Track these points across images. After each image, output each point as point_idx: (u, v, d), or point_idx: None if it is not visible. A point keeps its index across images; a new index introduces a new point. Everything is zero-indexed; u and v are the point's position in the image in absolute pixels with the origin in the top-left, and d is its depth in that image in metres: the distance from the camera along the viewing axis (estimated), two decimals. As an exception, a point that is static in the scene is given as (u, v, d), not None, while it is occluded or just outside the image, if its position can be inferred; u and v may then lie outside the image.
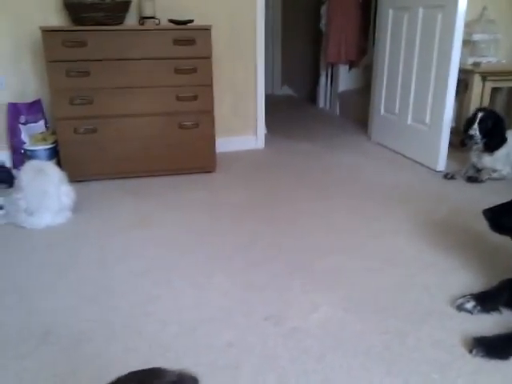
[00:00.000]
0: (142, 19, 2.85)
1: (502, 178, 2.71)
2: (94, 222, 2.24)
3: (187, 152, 2.86)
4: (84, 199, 2.44)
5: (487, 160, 2.71)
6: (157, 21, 2.85)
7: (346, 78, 4.78)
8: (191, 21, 2.79)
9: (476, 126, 2.59)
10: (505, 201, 1.50)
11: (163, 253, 1.93)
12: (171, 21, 2.79)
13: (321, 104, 5.16)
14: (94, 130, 2.71)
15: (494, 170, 2.71)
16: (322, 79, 5.05)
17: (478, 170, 2.76)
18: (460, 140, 2.79)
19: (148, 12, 2.83)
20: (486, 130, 2.59)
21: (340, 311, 1.52)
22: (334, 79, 4.89)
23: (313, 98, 5.34)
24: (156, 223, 2.23)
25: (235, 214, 2.32)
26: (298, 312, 1.51)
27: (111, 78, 2.67)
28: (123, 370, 1.25)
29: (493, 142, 2.63)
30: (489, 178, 2.70)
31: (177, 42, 2.68)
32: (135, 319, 1.49)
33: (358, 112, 4.32)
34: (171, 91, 2.75)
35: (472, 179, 2.70)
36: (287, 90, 6.17)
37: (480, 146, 2.65)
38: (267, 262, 1.85)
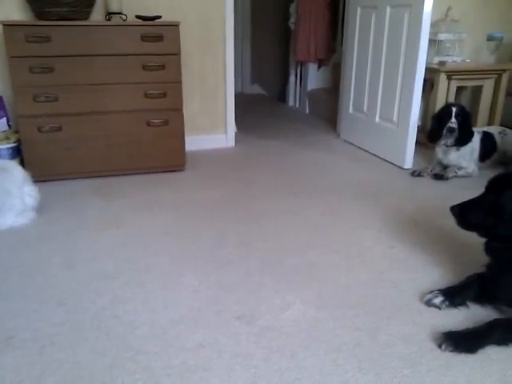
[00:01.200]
0: (109, 15, 2.79)
1: (467, 176, 2.78)
2: (59, 223, 2.18)
3: (156, 150, 2.81)
4: (49, 199, 2.37)
5: (453, 156, 2.77)
6: (124, 16, 2.79)
7: (315, 77, 4.82)
8: (159, 17, 2.75)
9: (454, 119, 2.65)
10: (471, 197, 1.52)
11: (132, 254, 1.89)
12: (138, 17, 2.74)
13: (290, 102, 5.18)
14: (59, 129, 2.64)
15: (460, 168, 2.77)
16: (292, 78, 5.07)
17: (445, 168, 2.82)
18: (427, 135, 2.84)
19: (114, 7, 2.77)
20: (460, 123, 2.65)
21: (312, 309, 1.52)
22: (303, 78, 4.92)
23: (282, 96, 5.36)
24: (125, 223, 2.18)
25: (205, 213, 2.30)
26: (269, 310, 1.51)
27: (77, 75, 2.59)
28: (90, 374, 1.22)
29: (464, 136, 2.69)
30: (455, 176, 2.76)
31: (144, 38, 2.63)
32: (103, 322, 1.45)
33: (327, 110, 4.36)
34: (139, 88, 2.70)
35: (438, 176, 2.76)
36: (257, 89, 6.17)
37: (452, 140, 2.70)
38: (238, 260, 1.83)
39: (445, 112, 2.71)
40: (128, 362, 1.28)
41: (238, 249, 1.93)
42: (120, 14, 2.79)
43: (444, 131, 2.67)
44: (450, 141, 2.72)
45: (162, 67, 2.70)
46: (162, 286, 1.65)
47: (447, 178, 2.74)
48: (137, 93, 2.70)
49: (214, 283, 1.67)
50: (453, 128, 2.65)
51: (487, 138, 2.82)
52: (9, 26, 2.44)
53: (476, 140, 2.77)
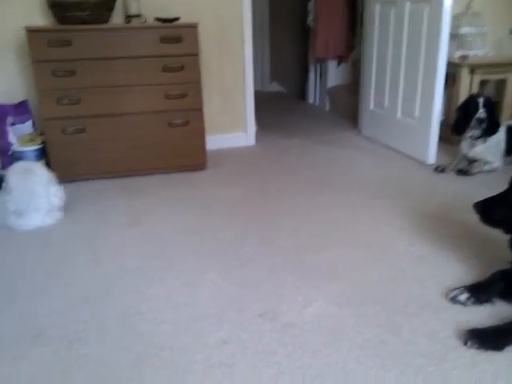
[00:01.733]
0: (128, 18, 2.82)
1: (492, 171, 2.73)
2: (85, 222, 2.22)
3: (177, 150, 2.84)
4: (74, 199, 2.42)
5: (480, 149, 2.72)
6: (143, 19, 2.82)
7: (334, 74, 4.79)
8: (178, 18, 2.77)
9: (482, 109, 2.60)
10: (495, 193, 1.50)
11: (156, 251, 1.92)
12: (157, 19, 2.76)
13: (310, 100, 5.15)
14: (83, 130, 2.69)
15: (486, 162, 2.72)
16: (311, 75, 5.05)
17: (470, 163, 2.77)
18: (452, 128, 2.80)
19: (134, 10, 2.80)
20: (487, 114, 2.61)
21: (334, 306, 1.52)
22: (322, 75, 4.89)
23: (302, 93, 5.34)
24: (148, 222, 2.21)
25: (227, 211, 2.31)
26: (292, 307, 1.51)
27: (98, 77, 2.64)
28: (116, 370, 1.25)
29: (492, 127, 2.66)
30: (480, 172, 2.71)
31: (164, 39, 2.66)
32: (128, 318, 1.48)
33: (347, 107, 4.33)
34: (159, 89, 2.73)
35: (462, 172, 2.71)
36: (276, 87, 6.16)
37: (479, 132, 2.66)
38: (260, 258, 1.84)
39: (472, 103, 2.66)
40: (153, 358, 1.30)
41: (260, 246, 1.94)
42: (139, 16, 2.82)
43: (472, 122, 2.63)
44: (478, 132, 2.67)
45: (182, 68, 2.73)
46: (185, 283, 1.67)
47: (471, 174, 2.69)
48: (157, 94, 2.73)
49: (236, 280, 1.68)
50: (482, 118, 2.60)
51: (511, 132, 2.76)
52: (33, 31, 2.50)
53: (502, 132, 2.72)
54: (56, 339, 1.39)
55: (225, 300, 1.57)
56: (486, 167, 2.72)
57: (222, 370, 1.25)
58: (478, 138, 2.69)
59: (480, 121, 2.61)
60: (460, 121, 2.72)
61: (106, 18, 2.75)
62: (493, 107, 2.65)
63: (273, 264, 1.79)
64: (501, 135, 2.71)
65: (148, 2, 2.93)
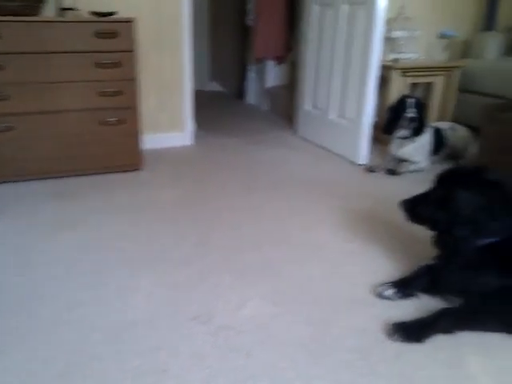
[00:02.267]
0: (61, 10, 2.71)
1: (419, 170, 2.86)
2: (12, 226, 2.11)
3: (112, 150, 2.76)
4: (2, 202, 2.29)
5: (408, 149, 2.84)
6: (77, 12, 2.72)
7: (273, 74, 4.84)
8: (114, 13, 2.69)
9: (412, 109, 2.71)
10: (420, 192, 1.57)
11: (87, 256, 1.86)
12: (92, 12, 2.67)
13: (249, 100, 5.18)
14: (11, 128, 2.54)
15: (413, 162, 2.85)
16: (251, 75, 5.08)
17: (399, 162, 2.89)
18: (383, 127, 2.90)
19: (67, 3, 2.70)
20: (416, 114, 2.72)
21: (268, 305, 1.53)
22: (261, 75, 4.93)
23: (241, 93, 5.36)
24: (80, 225, 2.13)
25: (163, 213, 2.27)
26: (226, 309, 1.51)
27: (28, 73, 2.51)
28: (42, 382, 1.19)
29: (420, 127, 2.78)
30: (407, 171, 2.83)
31: (99, 34, 2.57)
32: (56, 328, 1.42)
33: (285, 107, 4.39)
34: (93, 86, 2.64)
35: (391, 172, 2.83)
36: (216, 86, 6.15)
37: (408, 131, 2.78)
38: (195, 260, 1.83)
39: (403, 103, 2.76)
40: (81, 367, 1.25)
41: (196, 248, 1.93)
42: (73, 9, 2.72)
43: (403, 122, 2.73)
44: (407, 132, 2.78)
45: (117, 64, 2.65)
46: (117, 289, 1.63)
47: (399, 174, 2.81)
48: (91, 91, 2.64)
49: (170, 284, 1.66)
50: (413, 117, 2.71)
51: (437, 133, 2.91)
52: (-48, 22, 2.34)
53: (428, 133, 2.86)
54: (-25, 351, 1.31)
55: (158, 305, 1.54)
56: (413, 167, 2.85)
57: (153, 377, 1.22)
58: (407, 138, 2.81)
59: (410, 120, 2.72)
60: (391, 120, 2.82)
61: (37, 10, 2.62)
62: (422, 108, 2.78)
63: (208, 265, 1.79)
64: (428, 136, 2.85)
65: (82, -5, 2.83)
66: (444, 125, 3.04)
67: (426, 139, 2.85)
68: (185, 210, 2.32)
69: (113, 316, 1.48)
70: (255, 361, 1.28)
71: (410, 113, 2.71)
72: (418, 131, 2.78)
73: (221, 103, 5.25)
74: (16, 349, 1.32)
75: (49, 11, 2.79)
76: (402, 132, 2.80)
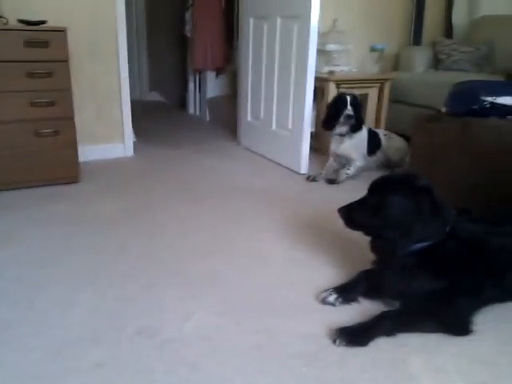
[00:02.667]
0: (-14, 18, 2.59)
1: (356, 174, 2.96)
2: None
3: (47, 162, 2.66)
4: None
5: (347, 145, 2.93)
6: (4, 20, 2.60)
7: (214, 85, 4.86)
8: (44, 22, 2.60)
9: (350, 107, 2.81)
10: (356, 199, 1.63)
11: (23, 272, 1.77)
12: (21, 21, 2.56)
13: (190, 110, 5.17)
14: None
15: (350, 160, 2.95)
16: (191, 85, 5.07)
17: (340, 167, 2.98)
18: (322, 123, 2.99)
19: (-8, 10, 2.58)
20: (354, 111, 2.82)
21: (214, 316, 1.53)
22: (202, 85, 4.94)
23: (182, 103, 5.34)
24: (14, 240, 2.03)
25: (104, 226, 2.21)
26: (171, 322, 1.49)
27: (-49, 83, 2.37)
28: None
29: (357, 124, 2.89)
30: (346, 176, 2.93)
31: (28, 43, 2.48)
32: (-11, 350, 1.34)
33: (227, 118, 4.42)
34: (24, 96, 2.53)
35: (331, 181, 2.92)
36: (156, 96, 6.08)
37: (347, 128, 2.87)
38: (139, 272, 1.79)
39: (340, 100, 2.86)
40: (18, 391, 1.19)
41: (139, 260, 1.89)
42: (0, 17, 2.60)
43: (341, 119, 2.82)
44: (345, 128, 2.87)
45: (50, 74, 2.56)
46: (56, 305, 1.56)
47: (339, 182, 2.90)
48: (22, 101, 2.53)
49: (113, 298, 1.61)
50: (350, 115, 2.81)
51: (373, 135, 3.05)
52: None
53: (365, 132, 2.99)
54: None
55: (100, 320, 1.49)
56: (351, 170, 2.94)
57: (96, 395, 1.19)
58: (345, 135, 2.91)
59: (348, 117, 2.82)
60: (330, 117, 2.91)
61: (-41, 17, 2.49)
62: (359, 105, 2.89)
63: (152, 277, 1.76)
64: (364, 134, 2.98)
65: (10, 2, 2.71)
66: (380, 131, 3.19)
67: (363, 136, 2.97)
68: (126, 221, 2.27)
69: (53, 334, 1.42)
70: (203, 373, 1.27)
71: (348, 110, 2.81)
72: (355, 128, 2.89)
73: (162, 113, 5.20)
74: None
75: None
76: (341, 129, 2.89)
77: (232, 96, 4.62)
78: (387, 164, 3.11)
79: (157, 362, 1.31)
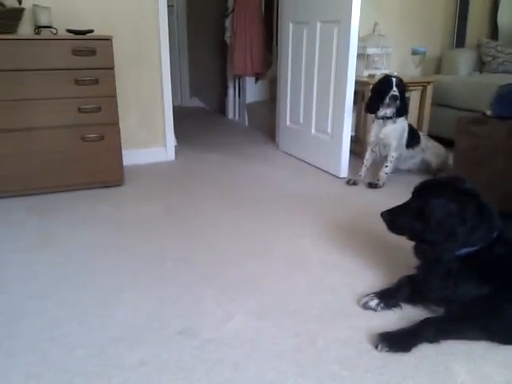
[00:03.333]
0: (38, 28, 2.71)
1: (393, 170, 2.92)
2: (-11, 245, 2.07)
3: (92, 166, 2.75)
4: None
5: (389, 129, 2.84)
6: (54, 30, 2.72)
7: (253, 90, 4.90)
8: (91, 31, 2.70)
9: (395, 88, 2.73)
10: (400, 203, 1.61)
11: (68, 272, 1.84)
12: (69, 31, 2.68)
13: (230, 115, 5.22)
14: (-12, 146, 2.52)
15: (388, 146, 2.87)
16: (230, 91, 5.13)
17: (377, 159, 2.93)
18: (366, 106, 2.93)
19: (43, 21, 2.69)
20: (399, 93, 2.74)
21: (253, 319, 1.54)
22: (241, 91, 4.99)
23: (222, 109, 5.40)
24: (61, 241, 2.11)
25: (145, 228, 2.27)
26: (211, 323, 1.51)
27: (6, 90, 2.50)
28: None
29: (402, 107, 2.80)
30: (386, 176, 2.87)
31: (76, 52, 2.58)
32: (39, 345, 1.40)
33: (266, 123, 4.44)
34: (72, 103, 2.64)
35: (372, 185, 2.88)
36: (196, 102, 6.18)
37: (392, 110, 2.78)
38: (178, 274, 1.82)
39: (385, 82, 2.78)
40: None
41: (179, 262, 1.92)
42: (50, 27, 2.72)
43: (386, 100, 2.74)
44: (390, 111, 2.79)
45: (96, 81, 2.66)
46: (100, 304, 1.61)
47: (380, 186, 2.86)
48: (70, 108, 2.64)
49: (153, 299, 1.65)
50: (396, 95, 2.71)
51: (413, 130, 2.98)
52: None
53: (406, 123, 2.91)
54: (-45, 373, 1.28)
55: (142, 319, 1.53)
56: (389, 167, 2.88)
57: (140, 392, 1.21)
58: (389, 117, 2.81)
59: (394, 98, 2.72)
60: (374, 99, 2.82)
61: (13, 28, 2.62)
62: (404, 88, 2.80)
63: (191, 279, 1.78)
64: (406, 123, 2.90)
65: (59, 13, 2.84)
66: (420, 133, 3.11)
67: (404, 125, 2.89)
68: (166, 224, 2.32)
69: (97, 332, 1.46)
70: (243, 373, 1.28)
71: (394, 91, 2.72)
72: (399, 111, 2.80)
73: (202, 119, 5.28)
74: (-3, 369, 1.29)
75: (25, 29, 2.79)
76: (385, 111, 2.80)
77: (270, 101, 4.65)
78: (427, 169, 3.05)
79: (198, 362, 1.32)
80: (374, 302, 1.57)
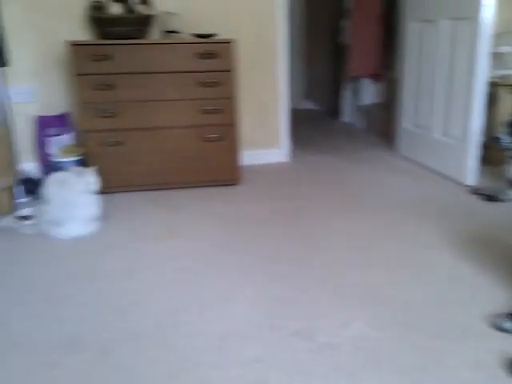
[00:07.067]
0: (166, 33, 2.88)
1: None
2: (121, 233, 2.24)
3: (211, 165, 2.86)
4: (112, 210, 2.47)
5: None
6: (180, 34, 2.88)
7: (369, 92, 4.76)
8: (214, 34, 2.81)
9: None
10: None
11: (190, 264, 1.92)
12: (194, 34, 2.81)
13: (344, 118, 5.13)
14: (120, 143, 2.74)
15: None
16: (345, 93, 5.03)
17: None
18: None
19: (172, 26, 2.87)
20: None
21: (372, 327, 1.47)
22: (357, 93, 4.87)
23: (335, 111, 5.32)
24: (182, 234, 2.22)
25: (260, 227, 2.29)
26: (328, 327, 1.47)
27: (136, 92, 2.69)
28: (148, 382, 1.23)
29: None
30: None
31: (200, 55, 2.70)
32: (161, 330, 1.47)
33: (382, 126, 4.28)
34: (195, 104, 2.76)
35: (491, 198, 2.58)
36: (310, 104, 6.17)
37: None
38: (292, 276, 1.81)
39: None
40: (184, 371, 1.28)
41: (293, 264, 1.91)
42: (176, 32, 2.88)
43: None
44: None
45: (218, 84, 2.75)
46: (219, 298, 1.66)
47: (502, 200, 2.58)
48: (193, 108, 2.77)
49: (269, 297, 1.65)
50: None
51: None
52: (75, 45, 2.57)
53: None
54: (90, 348, 1.38)
55: (258, 316, 1.54)
56: None
57: (255, 389, 1.21)
58: None
59: None
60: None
61: (144, 34, 2.81)
62: None
63: (307, 282, 1.76)
64: None
65: (186, 19, 2.99)
66: None
67: None
68: (281, 225, 2.32)
69: (216, 324, 1.50)
70: (359, 383, 1.22)
71: None
72: None
73: (315, 121, 5.25)
74: (123, 348, 1.38)
75: (154, 34, 2.98)
76: None
77: (388, 103, 4.47)
78: None
79: (313, 365, 1.29)
80: (509, 324, 1.42)
